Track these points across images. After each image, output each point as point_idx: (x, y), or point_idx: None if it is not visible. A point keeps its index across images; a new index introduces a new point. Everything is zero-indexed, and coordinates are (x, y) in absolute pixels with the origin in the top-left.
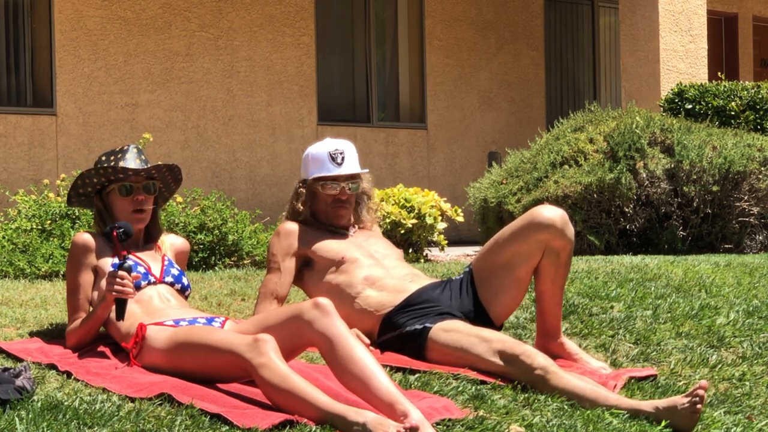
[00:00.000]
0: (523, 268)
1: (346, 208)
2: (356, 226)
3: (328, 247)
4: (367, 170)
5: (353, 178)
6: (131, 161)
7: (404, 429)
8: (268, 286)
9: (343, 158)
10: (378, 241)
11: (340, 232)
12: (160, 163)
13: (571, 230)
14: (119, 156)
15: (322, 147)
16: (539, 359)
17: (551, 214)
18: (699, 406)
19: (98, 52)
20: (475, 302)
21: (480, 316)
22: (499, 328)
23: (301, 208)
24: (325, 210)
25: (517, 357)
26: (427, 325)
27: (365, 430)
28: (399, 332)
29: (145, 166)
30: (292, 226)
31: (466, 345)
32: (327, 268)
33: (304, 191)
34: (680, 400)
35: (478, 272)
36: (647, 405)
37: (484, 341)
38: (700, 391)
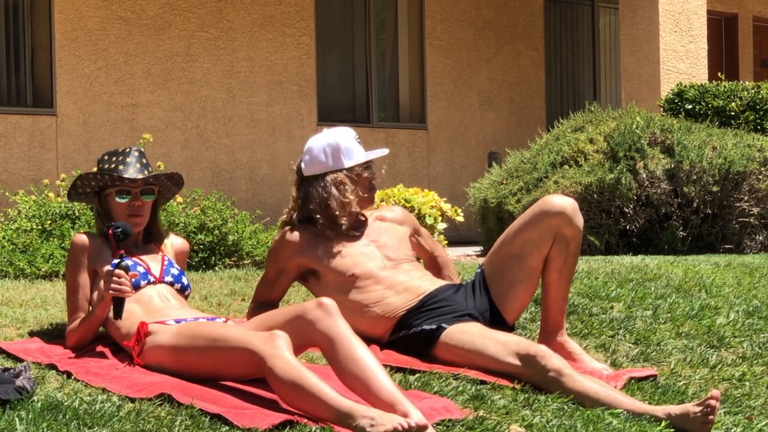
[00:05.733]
0: (535, 257)
1: (375, 189)
2: (366, 218)
3: (336, 260)
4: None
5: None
6: (131, 166)
7: (407, 425)
8: (260, 291)
9: (360, 142)
10: (392, 239)
11: (352, 235)
12: (160, 167)
13: (580, 219)
14: (120, 159)
15: (345, 136)
16: (554, 361)
17: (562, 201)
18: (711, 417)
19: (98, 52)
20: (489, 302)
21: (494, 316)
22: (511, 327)
23: (355, 196)
24: (361, 198)
25: (533, 358)
26: (443, 325)
27: (374, 423)
28: (413, 331)
29: (145, 172)
30: (294, 237)
31: (480, 346)
32: (337, 282)
33: (347, 180)
34: (692, 408)
35: (489, 269)
36: (660, 411)
37: (498, 343)
38: (712, 402)
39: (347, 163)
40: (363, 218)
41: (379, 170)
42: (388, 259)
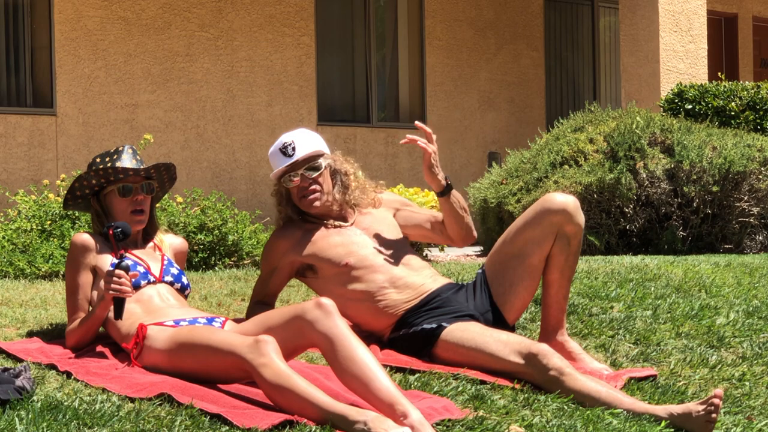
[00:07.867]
0: (536, 255)
1: (314, 193)
2: (354, 211)
3: (329, 252)
4: (319, 149)
5: (308, 161)
6: (127, 161)
7: None
8: (257, 288)
9: (293, 148)
10: (384, 228)
11: (337, 225)
12: (158, 163)
13: (581, 217)
14: (114, 157)
15: (275, 145)
16: (555, 360)
17: (563, 198)
18: (714, 415)
19: (98, 52)
20: (490, 302)
21: (495, 316)
22: (512, 328)
23: (281, 210)
24: (300, 205)
25: (534, 356)
26: (443, 324)
27: (367, 428)
28: (413, 330)
29: (142, 166)
30: (284, 236)
31: (481, 344)
32: (334, 273)
33: (275, 192)
34: (695, 407)
35: (491, 269)
36: (662, 410)
37: (499, 341)
38: (715, 400)
39: (272, 175)
40: (353, 211)
41: (379, 170)
42: (384, 246)
